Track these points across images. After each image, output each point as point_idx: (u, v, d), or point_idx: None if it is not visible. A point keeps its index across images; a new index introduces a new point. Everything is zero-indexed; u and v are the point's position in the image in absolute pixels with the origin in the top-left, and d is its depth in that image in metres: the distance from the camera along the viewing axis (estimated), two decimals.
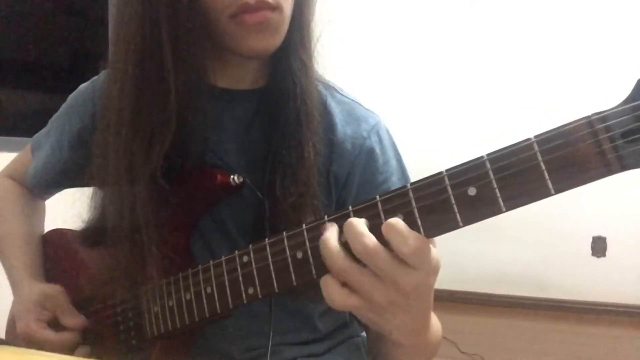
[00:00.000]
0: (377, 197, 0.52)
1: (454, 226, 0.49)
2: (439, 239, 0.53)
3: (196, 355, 0.76)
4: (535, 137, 0.46)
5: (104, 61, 0.77)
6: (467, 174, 0.48)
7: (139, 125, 0.68)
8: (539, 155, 0.45)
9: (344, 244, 0.51)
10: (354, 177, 0.76)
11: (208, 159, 0.75)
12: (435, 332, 0.65)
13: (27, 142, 0.96)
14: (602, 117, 0.43)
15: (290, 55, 0.72)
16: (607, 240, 2.90)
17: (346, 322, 0.86)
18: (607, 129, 0.43)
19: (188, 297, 0.68)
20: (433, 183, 0.50)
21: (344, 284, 0.52)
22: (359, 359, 0.85)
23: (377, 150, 0.78)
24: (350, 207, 0.54)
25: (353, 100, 0.81)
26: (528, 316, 2.89)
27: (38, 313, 0.82)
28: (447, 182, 0.49)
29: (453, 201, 0.49)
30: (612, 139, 0.43)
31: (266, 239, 0.60)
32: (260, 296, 0.61)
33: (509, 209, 0.47)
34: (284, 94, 0.73)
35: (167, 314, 0.71)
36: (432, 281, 0.53)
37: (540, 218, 2.59)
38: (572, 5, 2.81)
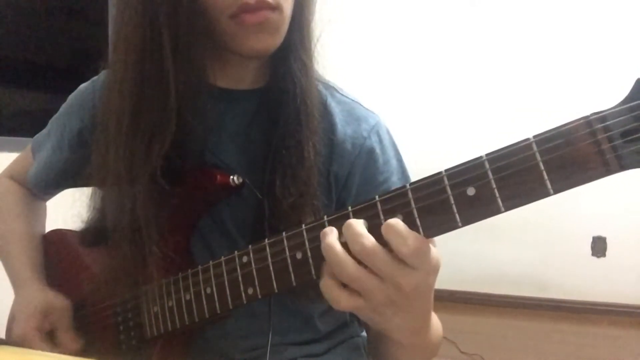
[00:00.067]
0: (377, 197, 0.52)
1: (453, 226, 0.49)
2: (438, 239, 0.53)
3: (196, 355, 0.76)
4: (534, 137, 0.46)
5: (104, 61, 0.77)
6: (466, 174, 0.48)
7: (139, 125, 0.68)
8: (537, 155, 0.45)
9: (343, 245, 0.51)
10: (354, 177, 0.76)
11: (208, 159, 0.75)
12: (435, 332, 0.65)
13: (27, 142, 0.96)
14: (601, 117, 0.43)
15: (290, 55, 0.72)
16: (607, 240, 2.90)
17: (346, 322, 0.86)
18: (606, 129, 0.43)
19: (188, 297, 0.68)
20: (432, 183, 0.50)
21: (344, 285, 0.52)
22: (359, 359, 0.85)
23: (377, 150, 0.78)
24: (349, 208, 0.54)
25: (353, 100, 0.81)
26: (528, 316, 2.89)
27: (39, 321, 0.81)
28: (446, 182, 0.49)
29: (452, 201, 0.49)
30: (610, 139, 0.43)
31: (266, 240, 0.60)
32: (259, 296, 0.61)
33: (508, 209, 0.47)
34: (284, 94, 0.73)
35: (167, 314, 0.71)
36: (432, 281, 0.53)
37: (540, 218, 2.59)
38: (572, 5, 2.81)
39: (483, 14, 2.95)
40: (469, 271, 2.98)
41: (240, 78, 0.76)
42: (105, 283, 0.77)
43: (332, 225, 0.54)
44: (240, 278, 0.62)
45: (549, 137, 0.45)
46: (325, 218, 0.55)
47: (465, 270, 2.94)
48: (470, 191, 0.48)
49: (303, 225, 0.57)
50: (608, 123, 0.43)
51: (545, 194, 0.45)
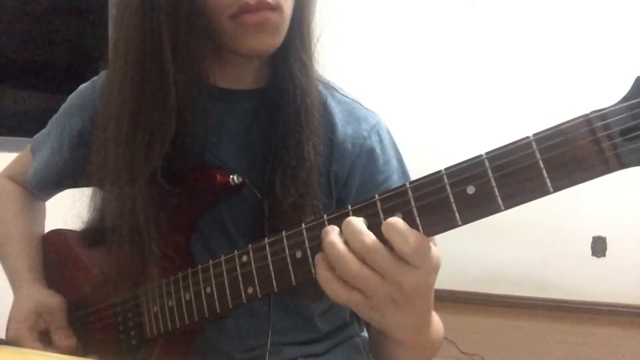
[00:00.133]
0: (376, 196, 0.52)
1: (453, 225, 0.49)
2: (438, 239, 0.53)
3: (196, 355, 0.76)
4: (534, 135, 0.46)
5: (104, 61, 0.77)
6: (466, 173, 0.48)
7: (139, 125, 0.68)
8: (537, 153, 0.45)
9: (344, 243, 0.51)
10: (355, 177, 0.76)
11: (208, 159, 0.75)
12: (436, 331, 0.65)
13: (27, 142, 0.96)
14: (601, 115, 0.43)
15: (290, 55, 0.72)
16: (607, 240, 2.90)
17: (346, 322, 0.86)
18: (606, 127, 0.43)
19: (188, 297, 0.68)
20: (432, 182, 0.50)
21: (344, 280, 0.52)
22: (359, 359, 0.85)
23: (378, 150, 0.78)
24: (349, 207, 0.54)
25: (353, 100, 0.81)
26: (528, 316, 2.89)
27: (33, 321, 0.82)
28: (446, 180, 0.49)
29: (452, 200, 0.49)
30: (610, 137, 0.43)
31: (265, 239, 0.60)
32: (259, 296, 0.61)
33: (507, 207, 0.47)
34: (284, 94, 0.73)
35: (167, 314, 0.71)
36: (433, 279, 0.54)
37: (540, 218, 2.59)
38: (572, 5, 2.82)
39: (483, 14, 2.95)
40: (469, 271, 2.98)
41: (240, 78, 0.76)
42: (105, 283, 0.77)
43: (332, 224, 0.54)
44: (240, 277, 0.62)
45: (548, 135, 0.45)
46: (325, 217, 0.55)
47: (465, 270, 2.94)
48: (470, 190, 0.48)
49: (303, 225, 0.57)
50: (608, 121, 0.43)
51: (545, 193, 0.45)
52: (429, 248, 0.51)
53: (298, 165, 0.71)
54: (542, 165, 0.45)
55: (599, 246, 2.91)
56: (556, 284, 2.94)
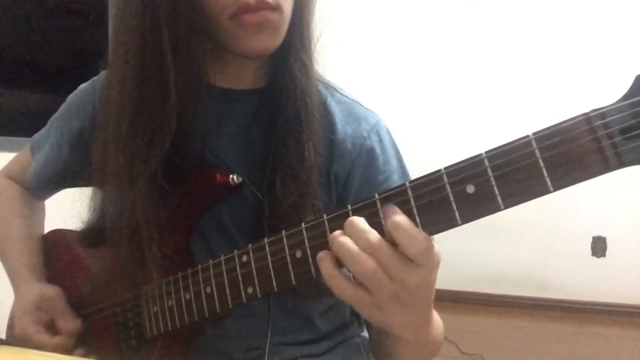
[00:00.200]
0: (376, 195, 0.52)
1: (453, 224, 0.49)
2: (438, 238, 0.53)
3: (196, 355, 0.76)
4: (534, 134, 0.46)
5: (104, 61, 0.77)
6: (466, 172, 0.48)
7: (139, 125, 0.68)
8: (537, 152, 0.45)
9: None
10: (355, 177, 0.76)
11: (208, 159, 0.75)
12: (437, 329, 0.65)
13: (27, 142, 0.96)
14: (601, 114, 0.43)
15: (290, 55, 0.72)
16: (607, 240, 2.90)
17: (346, 322, 0.86)
18: (606, 126, 0.43)
19: (187, 297, 0.68)
20: (431, 181, 0.50)
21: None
22: (359, 359, 0.85)
23: (378, 149, 0.78)
24: (349, 206, 0.54)
25: (353, 100, 0.81)
26: (528, 316, 2.89)
27: (35, 315, 0.82)
28: (445, 180, 0.49)
29: (452, 199, 0.49)
30: (610, 136, 0.43)
31: (265, 239, 0.60)
32: (259, 295, 0.61)
33: (507, 206, 0.47)
34: (284, 94, 0.73)
35: (167, 314, 0.71)
36: (434, 277, 0.54)
37: (540, 218, 2.59)
38: (571, 5, 2.82)
39: (483, 14, 2.95)
40: (469, 271, 2.98)
41: (240, 78, 0.76)
42: (105, 283, 0.77)
43: (332, 224, 0.54)
44: (240, 277, 0.62)
45: (548, 134, 0.45)
46: (325, 217, 0.55)
47: (465, 270, 2.94)
48: (470, 189, 0.48)
49: (302, 224, 0.57)
50: (607, 120, 0.43)
51: (545, 192, 0.45)
52: (432, 247, 0.51)
53: (298, 165, 0.71)
54: (541, 164, 0.45)
55: (599, 246, 2.91)
56: (556, 284, 2.94)
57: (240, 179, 0.72)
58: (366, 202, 0.53)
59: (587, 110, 0.44)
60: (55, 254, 0.92)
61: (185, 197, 0.73)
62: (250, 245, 0.62)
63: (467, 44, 2.97)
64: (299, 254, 0.57)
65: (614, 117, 0.43)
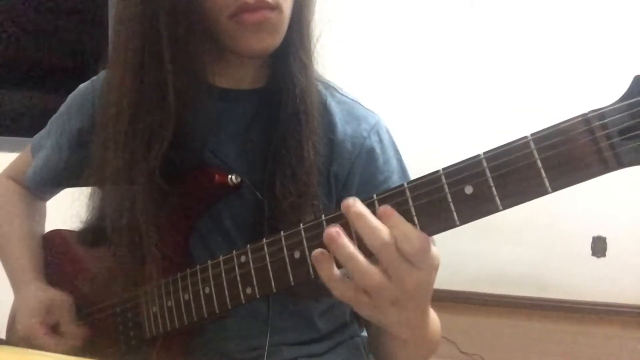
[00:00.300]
0: (374, 196, 0.52)
1: (451, 225, 0.49)
2: (438, 239, 0.53)
3: (195, 355, 0.76)
4: (532, 135, 0.46)
5: (103, 61, 0.77)
6: (464, 173, 0.48)
7: (138, 125, 0.68)
8: (535, 153, 0.45)
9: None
10: (354, 177, 0.76)
11: (207, 158, 0.75)
12: (434, 327, 0.66)
13: (27, 142, 0.96)
14: (599, 115, 0.43)
15: (290, 55, 0.72)
16: (607, 240, 2.90)
17: (346, 322, 0.86)
18: (604, 127, 0.43)
19: (186, 297, 0.68)
20: (430, 182, 0.50)
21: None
22: (359, 359, 0.85)
23: (377, 149, 0.77)
24: None
25: (353, 100, 0.81)
26: (528, 316, 2.89)
27: (43, 316, 0.82)
28: (443, 180, 0.49)
29: (450, 200, 0.49)
30: (609, 137, 0.43)
31: (264, 239, 0.60)
32: (258, 296, 0.61)
33: (505, 207, 0.47)
34: (283, 94, 0.73)
35: (166, 314, 0.71)
36: (433, 279, 0.54)
37: (540, 218, 2.59)
38: (571, 5, 2.82)
39: (483, 14, 2.95)
40: (469, 271, 2.98)
41: (239, 78, 0.76)
42: (104, 283, 0.77)
43: (330, 224, 0.54)
44: (238, 278, 0.62)
45: (546, 135, 0.45)
46: (323, 217, 0.55)
47: (465, 270, 2.94)
48: (468, 189, 0.48)
49: (301, 225, 0.57)
50: (606, 120, 0.43)
51: (543, 192, 0.45)
52: (430, 247, 0.51)
53: (298, 165, 0.71)
54: (540, 164, 0.45)
55: (599, 246, 2.91)
56: (556, 284, 2.94)
57: (240, 179, 0.72)
58: (364, 202, 0.53)
59: (585, 110, 0.44)
60: (55, 254, 0.92)
61: (185, 197, 0.72)
62: (249, 245, 0.62)
63: (467, 44, 2.97)
64: (297, 255, 0.57)
65: (613, 117, 0.42)
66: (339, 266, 0.52)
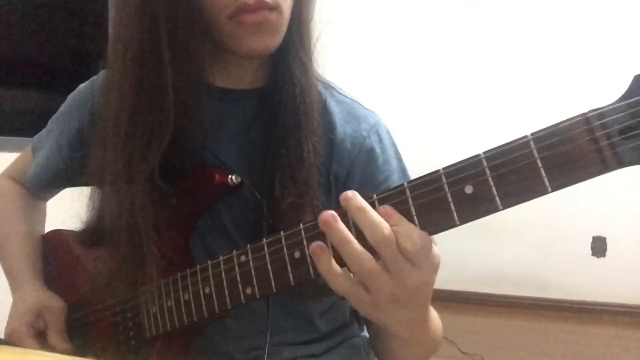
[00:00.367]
0: (374, 195, 0.52)
1: (451, 224, 0.49)
2: (438, 239, 0.53)
3: (196, 355, 0.76)
4: (532, 134, 0.46)
5: (103, 61, 0.77)
6: (464, 172, 0.48)
7: (137, 125, 0.68)
8: (535, 152, 0.45)
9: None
10: (354, 177, 0.76)
11: (207, 159, 0.75)
12: (435, 327, 0.66)
13: (27, 142, 0.96)
14: (599, 114, 0.43)
15: (290, 55, 0.72)
16: (607, 240, 2.90)
17: (346, 322, 0.85)
18: (604, 126, 0.43)
19: (186, 297, 0.68)
20: (430, 181, 0.50)
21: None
22: (359, 359, 0.85)
23: (377, 149, 0.77)
24: None
25: (353, 100, 0.81)
26: (528, 316, 2.89)
27: (32, 319, 0.82)
28: (443, 180, 0.49)
29: (450, 199, 0.49)
30: (608, 136, 0.43)
31: (264, 239, 0.60)
32: (258, 296, 0.61)
33: (505, 207, 0.47)
34: (283, 94, 0.72)
35: (166, 314, 0.71)
36: (434, 278, 0.54)
37: (540, 218, 2.59)
38: (571, 5, 2.82)
39: (483, 14, 2.95)
40: (469, 271, 2.98)
41: (239, 78, 0.76)
42: (104, 283, 0.77)
43: None
44: (238, 277, 0.62)
45: (546, 134, 0.45)
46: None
47: (465, 270, 2.94)
48: (468, 189, 0.48)
49: (301, 225, 0.57)
50: (606, 120, 0.43)
51: (543, 192, 0.45)
52: (431, 247, 0.51)
53: (297, 165, 0.71)
54: (540, 164, 0.45)
55: (599, 246, 2.91)
56: (556, 284, 2.94)
57: (239, 179, 0.72)
58: None
59: (585, 110, 0.44)
60: (54, 254, 0.92)
61: (185, 197, 0.72)
62: (249, 245, 0.62)
63: (467, 44, 2.97)
64: (297, 255, 0.57)
65: (613, 117, 0.42)
66: (340, 266, 0.52)
